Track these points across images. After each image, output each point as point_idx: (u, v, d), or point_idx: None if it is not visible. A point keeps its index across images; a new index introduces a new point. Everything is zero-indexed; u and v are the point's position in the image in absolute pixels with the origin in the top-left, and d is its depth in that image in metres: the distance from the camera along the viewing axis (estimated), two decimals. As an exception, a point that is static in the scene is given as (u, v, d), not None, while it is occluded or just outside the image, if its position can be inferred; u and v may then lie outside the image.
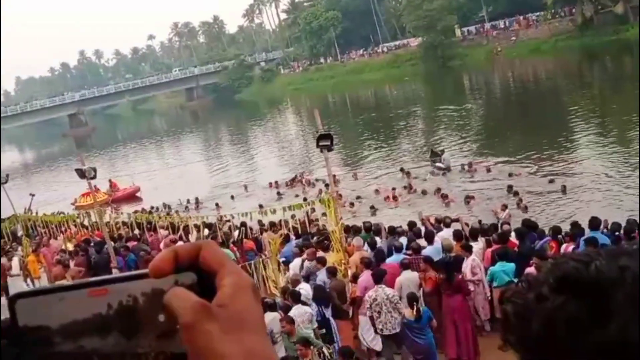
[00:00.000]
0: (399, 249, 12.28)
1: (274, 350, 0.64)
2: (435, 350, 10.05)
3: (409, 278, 10.81)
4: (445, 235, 13.44)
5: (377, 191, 26.89)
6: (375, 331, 10.50)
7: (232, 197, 31.58)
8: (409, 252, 12.20)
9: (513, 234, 12.55)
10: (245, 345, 0.60)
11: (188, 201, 31.17)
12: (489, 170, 26.49)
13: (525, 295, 0.81)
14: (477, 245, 12.13)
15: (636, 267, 0.76)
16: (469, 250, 11.35)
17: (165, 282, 0.63)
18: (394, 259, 11.86)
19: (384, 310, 10.16)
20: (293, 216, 18.58)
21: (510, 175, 25.25)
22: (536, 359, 0.79)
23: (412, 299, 9.83)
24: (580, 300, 0.75)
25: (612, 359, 0.72)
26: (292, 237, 16.91)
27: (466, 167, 27.60)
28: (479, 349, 10.46)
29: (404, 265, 11.01)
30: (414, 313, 9.64)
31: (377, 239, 14.03)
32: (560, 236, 12.17)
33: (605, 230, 12.79)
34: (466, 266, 11.13)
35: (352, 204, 25.34)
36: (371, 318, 10.37)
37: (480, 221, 16.90)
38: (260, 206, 23.83)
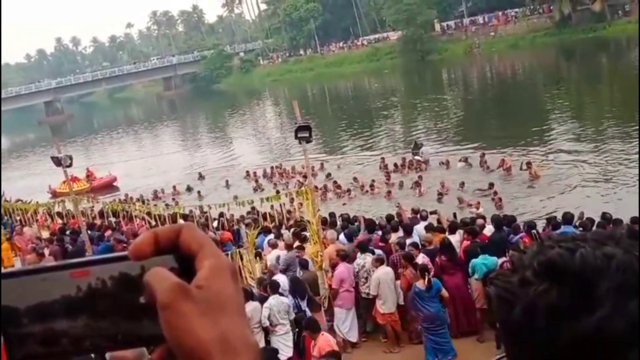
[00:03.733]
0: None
1: (252, 333, 0.63)
2: (446, 318, 10.38)
3: (386, 272, 10.92)
4: (420, 228, 13.55)
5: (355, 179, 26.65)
6: (360, 295, 11.24)
7: (208, 187, 31.38)
8: (382, 244, 12.44)
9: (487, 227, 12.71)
10: (221, 327, 0.59)
11: (163, 191, 30.93)
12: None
13: (509, 278, 0.81)
14: (455, 238, 12.22)
15: (622, 255, 0.75)
16: (416, 248, 11.66)
17: (146, 264, 0.62)
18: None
19: (371, 274, 11.01)
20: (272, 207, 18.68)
21: (482, 161, 25.46)
22: (518, 343, 0.79)
23: (423, 270, 10.23)
24: (564, 288, 0.74)
25: (591, 350, 0.71)
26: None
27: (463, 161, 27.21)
28: (477, 322, 10.83)
29: (380, 261, 11.08)
30: (425, 283, 10.00)
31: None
32: (534, 231, 12.27)
33: (578, 222, 13.00)
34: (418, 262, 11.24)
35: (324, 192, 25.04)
36: (357, 284, 11.20)
37: (454, 214, 17.04)
38: (236, 197, 23.71)
